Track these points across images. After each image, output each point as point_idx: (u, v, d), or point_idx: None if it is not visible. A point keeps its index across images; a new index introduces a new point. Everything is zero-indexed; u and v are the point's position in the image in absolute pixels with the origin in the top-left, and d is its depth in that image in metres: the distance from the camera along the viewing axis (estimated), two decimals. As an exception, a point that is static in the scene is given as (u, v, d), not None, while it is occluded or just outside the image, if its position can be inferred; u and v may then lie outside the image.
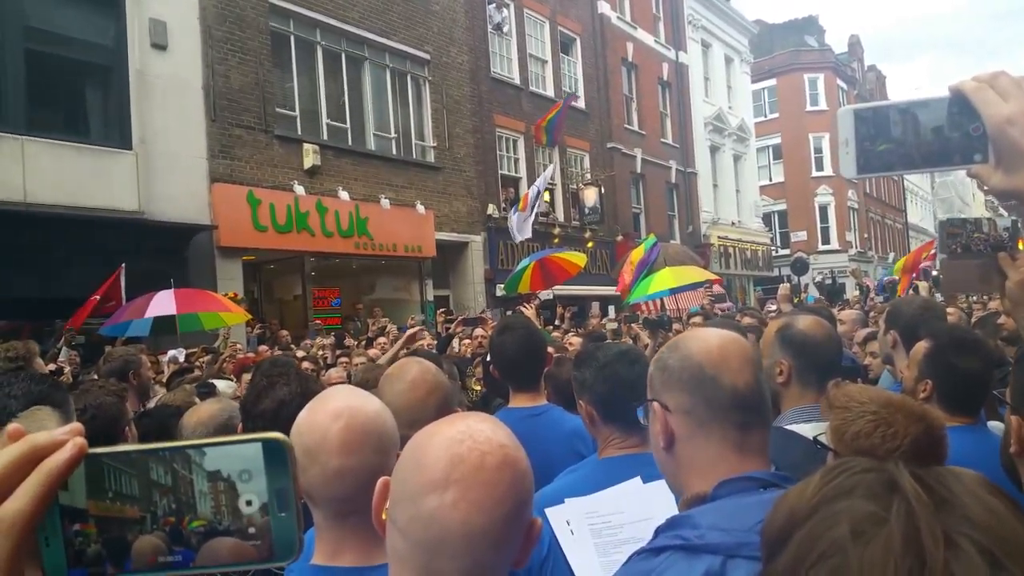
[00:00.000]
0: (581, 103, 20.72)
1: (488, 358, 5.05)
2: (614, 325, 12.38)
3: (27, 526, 0.50)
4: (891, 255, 43.99)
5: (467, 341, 8.10)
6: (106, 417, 2.47)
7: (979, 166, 0.92)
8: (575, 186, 19.88)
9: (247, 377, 5.47)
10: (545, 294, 13.76)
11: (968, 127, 0.91)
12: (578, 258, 12.04)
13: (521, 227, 14.99)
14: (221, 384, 5.02)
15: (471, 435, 0.99)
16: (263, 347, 9.45)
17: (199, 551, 0.54)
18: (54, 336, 8.49)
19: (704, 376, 1.32)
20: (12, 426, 0.55)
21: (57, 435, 0.54)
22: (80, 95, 10.80)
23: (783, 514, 0.61)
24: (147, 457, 0.55)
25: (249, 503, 0.54)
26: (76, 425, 0.56)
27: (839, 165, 1.01)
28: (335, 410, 1.41)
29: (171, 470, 0.55)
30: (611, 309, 16.06)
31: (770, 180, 37.55)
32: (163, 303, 7.64)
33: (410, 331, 6.59)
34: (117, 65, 10.47)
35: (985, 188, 0.95)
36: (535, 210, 15.03)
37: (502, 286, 14.21)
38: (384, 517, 1.03)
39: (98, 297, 7.87)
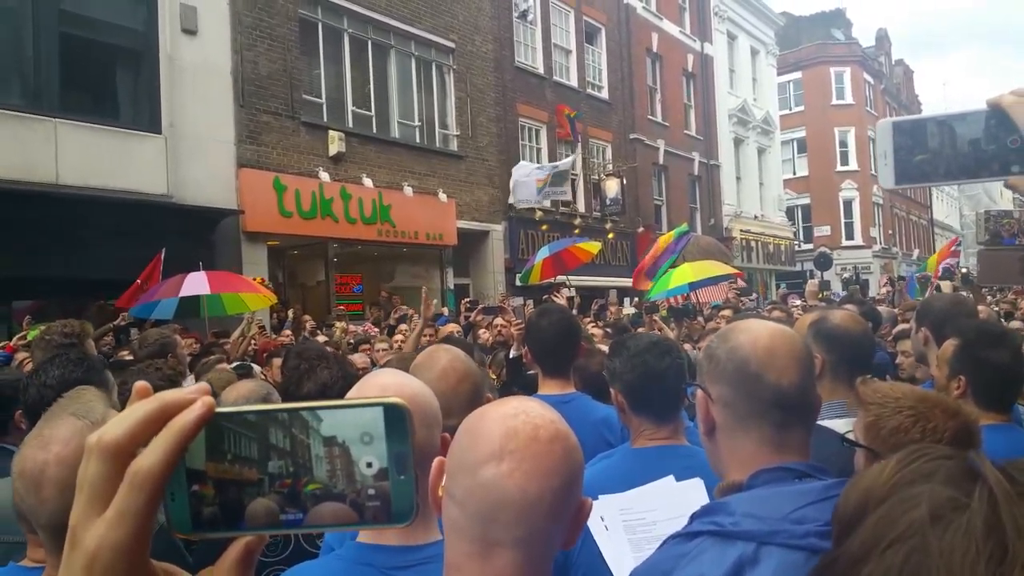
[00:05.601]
0: (604, 93, 20.63)
1: (511, 350, 5.10)
2: (631, 311, 12.39)
3: (159, 481, 0.52)
4: (915, 251, 43.49)
5: (484, 331, 8.14)
6: None
7: (1018, 177, 0.95)
8: (596, 177, 19.80)
9: (277, 362, 5.55)
10: (567, 290, 13.82)
11: (1006, 139, 0.94)
12: (591, 246, 12.19)
13: (520, 188, 15.33)
14: None
15: (524, 411, 1.04)
16: (286, 332, 9.54)
17: (309, 513, 0.55)
18: (82, 317, 8.57)
19: (748, 372, 1.32)
20: (140, 383, 0.56)
21: (186, 394, 0.54)
22: (111, 78, 10.89)
23: (858, 495, 0.61)
24: (266, 419, 0.55)
25: (370, 465, 0.55)
26: (204, 384, 0.57)
27: (878, 176, 1.04)
28: (381, 384, 1.47)
29: (289, 433, 0.55)
30: (626, 301, 16.05)
31: (794, 174, 37.23)
32: (196, 283, 7.77)
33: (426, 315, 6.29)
34: (148, 49, 10.57)
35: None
36: (544, 186, 15.29)
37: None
38: (440, 494, 1.07)
39: (140, 281, 8.00)
